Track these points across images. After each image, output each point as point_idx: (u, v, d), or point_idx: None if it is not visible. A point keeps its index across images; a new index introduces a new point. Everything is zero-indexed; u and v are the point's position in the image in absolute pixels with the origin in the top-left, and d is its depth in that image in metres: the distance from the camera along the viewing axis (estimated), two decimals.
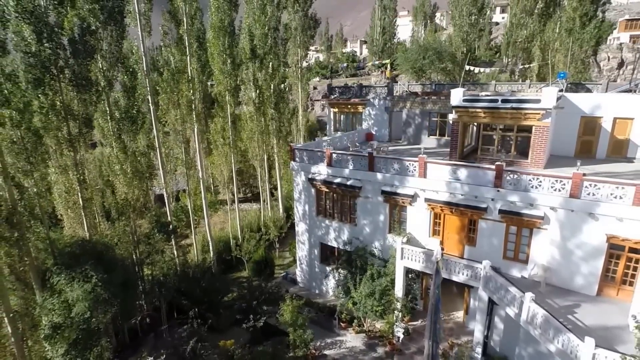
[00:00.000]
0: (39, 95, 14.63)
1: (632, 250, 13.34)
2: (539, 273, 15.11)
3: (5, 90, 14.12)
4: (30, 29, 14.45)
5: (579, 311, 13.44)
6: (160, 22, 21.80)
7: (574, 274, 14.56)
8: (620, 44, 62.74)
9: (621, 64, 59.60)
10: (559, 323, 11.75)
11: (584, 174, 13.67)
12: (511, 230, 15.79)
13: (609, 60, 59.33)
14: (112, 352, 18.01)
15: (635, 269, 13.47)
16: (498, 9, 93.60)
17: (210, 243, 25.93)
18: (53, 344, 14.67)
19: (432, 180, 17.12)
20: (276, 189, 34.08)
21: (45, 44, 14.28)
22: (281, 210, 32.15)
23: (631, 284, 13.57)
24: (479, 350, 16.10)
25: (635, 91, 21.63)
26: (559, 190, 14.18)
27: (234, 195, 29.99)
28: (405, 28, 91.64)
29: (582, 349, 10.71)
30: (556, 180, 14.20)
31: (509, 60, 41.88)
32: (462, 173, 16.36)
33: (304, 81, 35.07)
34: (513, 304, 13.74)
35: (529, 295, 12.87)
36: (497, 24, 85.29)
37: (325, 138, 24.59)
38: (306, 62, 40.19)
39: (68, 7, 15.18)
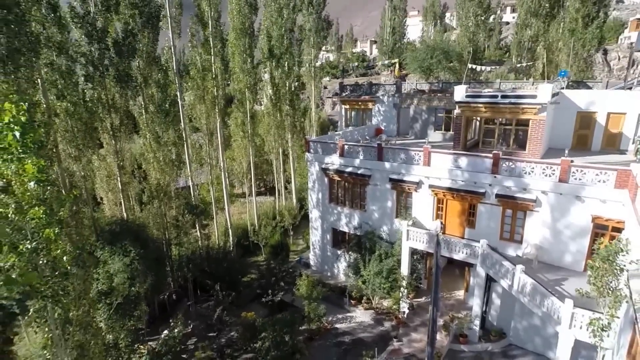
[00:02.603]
0: (89, 89, 16.69)
1: (615, 229, 14.81)
2: (531, 252, 16.67)
3: (60, 85, 16.24)
4: (81, 32, 16.57)
5: (566, 284, 14.96)
6: (189, 24, 23.86)
7: (563, 251, 16.11)
8: (631, 43, 62.75)
9: (632, 63, 59.92)
10: (544, 289, 13.38)
11: (572, 161, 15.22)
12: (507, 213, 17.39)
13: (619, 59, 59.70)
14: (144, 323, 20.06)
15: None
16: (509, 9, 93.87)
17: (229, 229, 27.95)
18: (96, 309, 16.72)
19: (436, 168, 18.78)
20: (289, 182, 36.01)
21: (95, 45, 16.31)
22: (294, 201, 34.06)
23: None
24: (477, 322, 17.74)
25: (630, 89, 22.88)
26: (550, 176, 15.74)
27: (251, 184, 31.98)
28: (415, 28, 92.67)
29: (562, 309, 12.32)
30: (547, 167, 15.77)
31: (518, 59, 43.13)
32: (463, 161, 18.01)
33: (316, 79, 36.92)
34: (506, 276, 15.36)
35: (519, 267, 14.51)
36: (507, 23, 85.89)
37: (337, 132, 26.37)
38: (319, 61, 41.99)
39: (113, 13, 17.20)
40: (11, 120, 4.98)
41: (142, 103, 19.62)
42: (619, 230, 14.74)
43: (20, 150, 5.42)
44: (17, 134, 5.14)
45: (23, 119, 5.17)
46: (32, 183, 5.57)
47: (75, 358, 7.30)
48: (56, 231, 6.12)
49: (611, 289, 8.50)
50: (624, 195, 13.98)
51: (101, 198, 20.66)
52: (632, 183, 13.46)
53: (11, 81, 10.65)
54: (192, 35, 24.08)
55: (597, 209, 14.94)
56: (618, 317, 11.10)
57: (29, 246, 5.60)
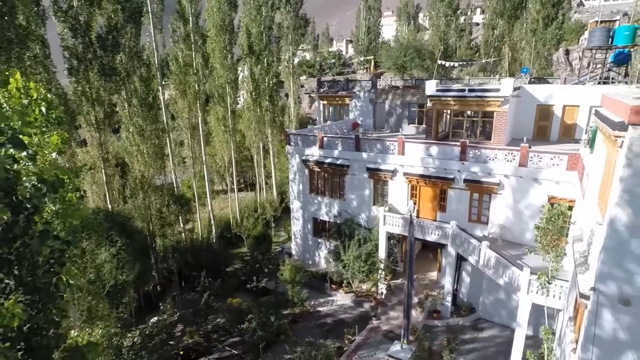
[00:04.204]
0: (73, 82, 17.03)
1: (568, 207, 16.48)
2: (496, 231, 18.22)
3: (43, 79, 16.51)
4: (63, 26, 16.88)
5: (526, 258, 16.48)
6: (170, 20, 24.30)
7: (523, 230, 17.71)
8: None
9: (591, 64, 63.81)
10: (506, 261, 14.86)
11: (530, 146, 16.83)
12: (474, 197, 18.90)
13: (580, 59, 63.44)
14: (132, 310, 20.39)
15: (570, 223, 16.64)
16: (478, 10, 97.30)
17: (212, 221, 28.52)
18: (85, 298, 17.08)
19: (409, 157, 20.11)
20: (269, 177, 36.77)
21: (79, 39, 16.67)
22: (275, 195, 34.89)
23: (567, 235, 16.75)
24: (449, 299, 19.21)
25: (583, 84, 25.00)
26: (511, 161, 17.32)
27: (233, 178, 32.57)
28: (389, 28, 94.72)
29: (521, 277, 13.80)
30: (508, 153, 17.34)
31: (486, 57, 45.45)
32: (434, 150, 19.41)
33: (295, 76, 37.86)
34: (474, 252, 16.82)
35: (484, 243, 15.98)
36: (477, 24, 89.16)
37: (316, 127, 27.40)
38: (297, 58, 42.92)
39: (96, 8, 17.57)
40: (39, 96, 5.69)
41: (125, 96, 19.99)
42: (570, 208, 16.43)
43: (44, 125, 6.10)
44: (44, 109, 5.83)
45: (48, 96, 5.87)
46: (54, 154, 6.26)
47: (84, 320, 7.98)
48: (77, 195, 6.82)
49: (553, 246, 9.91)
50: (574, 176, 15.66)
51: (84, 191, 20.85)
52: (580, 165, 15.13)
53: (4, 71, 11.07)
54: (173, 31, 24.52)
55: (552, 189, 16.59)
56: (566, 280, 12.66)
57: (53, 207, 6.27)
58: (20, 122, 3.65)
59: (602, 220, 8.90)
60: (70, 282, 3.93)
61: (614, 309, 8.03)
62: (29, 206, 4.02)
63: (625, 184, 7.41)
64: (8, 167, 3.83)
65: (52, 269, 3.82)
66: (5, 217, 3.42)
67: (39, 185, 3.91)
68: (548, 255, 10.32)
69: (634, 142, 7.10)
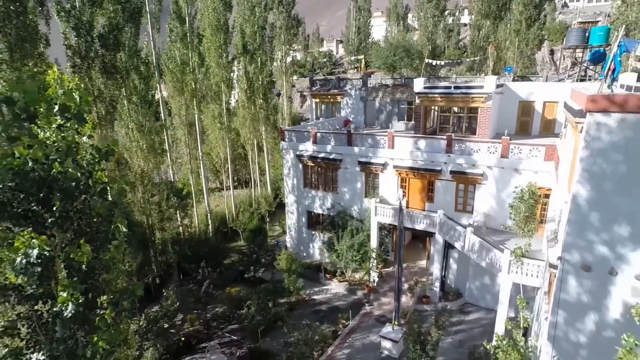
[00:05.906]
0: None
1: (545, 195, 17.69)
2: (481, 219, 19.35)
3: None
4: (66, 25, 17.52)
5: (508, 243, 17.62)
6: (167, 20, 25.03)
7: (506, 217, 18.76)
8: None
9: (575, 63, 65.93)
10: (488, 244, 15.94)
11: (510, 139, 17.99)
12: (460, 187, 20.01)
13: (563, 59, 65.54)
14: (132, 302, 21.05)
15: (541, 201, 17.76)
16: (466, 11, 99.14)
17: (209, 215, 29.26)
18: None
19: (399, 150, 21.15)
20: (264, 174, 37.57)
21: (82, 38, 17.34)
22: (269, 190, 35.72)
23: (545, 222, 17.95)
24: (437, 285, 20.28)
25: (562, 81, 26.44)
26: (493, 153, 18.47)
27: (229, 174, 33.34)
28: (379, 28, 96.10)
29: (502, 258, 14.90)
30: (491, 145, 18.48)
31: (473, 57, 46.90)
32: (422, 143, 20.49)
33: (287, 75, 38.76)
34: (459, 239, 17.90)
35: (469, 229, 17.06)
36: (465, 25, 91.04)
37: (309, 123, 28.33)
38: (290, 57, 43.79)
39: (97, 8, 18.25)
40: (74, 87, 6.48)
41: (125, 94, 20.66)
42: (547, 196, 17.64)
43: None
44: (78, 98, 6.62)
45: (82, 86, 6.66)
46: (84, 137, 7.03)
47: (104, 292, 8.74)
48: (105, 174, 7.60)
49: (526, 222, 10.98)
50: (550, 166, 16.84)
51: None
52: (556, 155, 16.32)
53: (20, 68, 11.74)
54: (170, 30, 25.25)
55: (532, 179, 17.70)
56: (542, 260, 13.78)
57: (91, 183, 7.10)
58: (82, 102, 4.50)
59: (568, 199, 10.00)
60: (123, 229, 4.81)
61: (578, 275, 9.11)
62: (83, 171, 4.91)
63: (584, 164, 8.49)
64: (70, 138, 4.71)
65: (107, 220, 4.69)
66: (78, 175, 4.30)
67: (94, 153, 4.78)
68: (522, 230, 11.39)
69: (590, 127, 8.18)
